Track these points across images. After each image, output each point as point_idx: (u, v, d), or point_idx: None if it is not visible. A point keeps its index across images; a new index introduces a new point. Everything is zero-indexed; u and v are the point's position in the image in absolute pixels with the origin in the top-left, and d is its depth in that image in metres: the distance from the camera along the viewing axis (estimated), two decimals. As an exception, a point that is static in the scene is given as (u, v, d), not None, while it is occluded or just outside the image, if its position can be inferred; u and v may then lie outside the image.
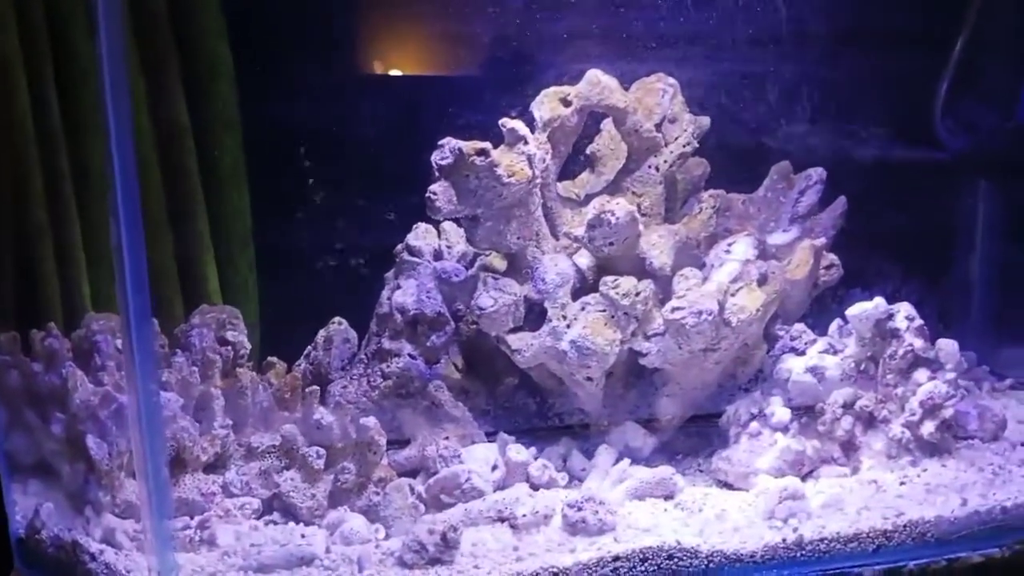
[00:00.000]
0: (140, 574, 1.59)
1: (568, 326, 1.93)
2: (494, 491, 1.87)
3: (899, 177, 2.49)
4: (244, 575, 1.62)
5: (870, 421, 1.99)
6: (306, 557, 1.64)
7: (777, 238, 2.13)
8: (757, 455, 1.95)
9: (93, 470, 1.72)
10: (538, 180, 1.98)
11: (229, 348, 1.98)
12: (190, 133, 2.20)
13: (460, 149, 1.87)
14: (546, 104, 2.02)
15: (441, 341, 2.05)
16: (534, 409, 2.10)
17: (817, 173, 2.16)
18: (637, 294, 1.93)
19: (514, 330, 1.98)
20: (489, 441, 2.00)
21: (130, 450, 1.70)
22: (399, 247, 2.13)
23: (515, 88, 2.13)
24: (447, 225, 2.15)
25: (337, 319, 2.13)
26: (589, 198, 2.06)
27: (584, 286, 2.00)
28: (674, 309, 1.90)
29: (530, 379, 2.07)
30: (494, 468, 1.92)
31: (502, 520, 1.78)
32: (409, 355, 2.03)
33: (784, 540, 1.74)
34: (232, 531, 1.74)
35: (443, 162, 1.88)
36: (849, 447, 1.99)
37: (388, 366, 2.03)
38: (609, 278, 1.94)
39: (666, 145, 2.08)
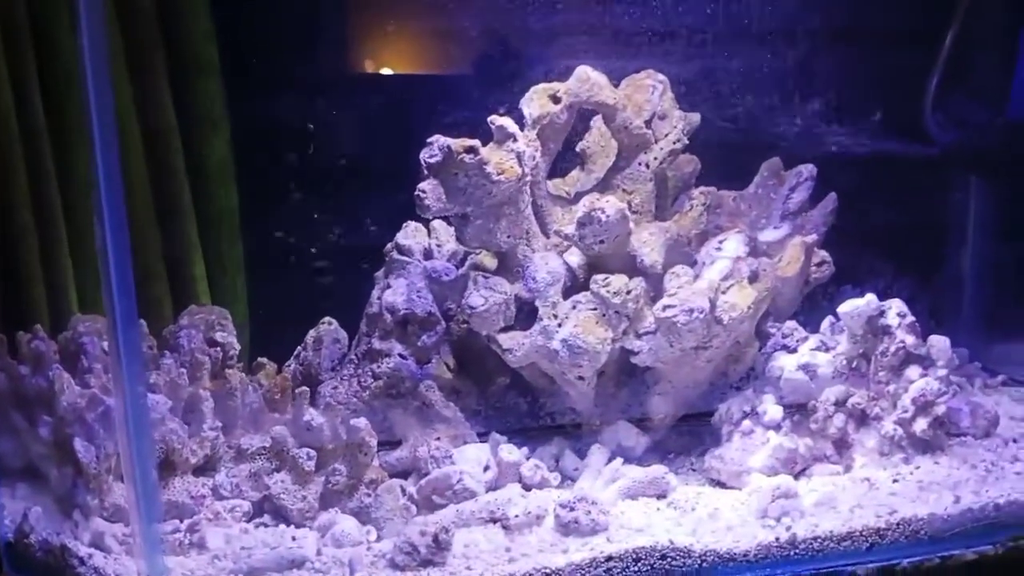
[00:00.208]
0: (129, 578, 1.59)
1: (559, 325, 1.93)
2: (486, 492, 1.86)
3: (889, 173, 2.49)
4: (234, 578, 1.61)
5: (862, 418, 1.98)
6: (297, 560, 1.63)
7: (768, 235, 2.12)
8: (750, 453, 1.95)
9: (81, 473, 1.70)
10: (528, 178, 1.96)
11: (218, 349, 1.97)
12: (177, 132, 2.18)
13: (449, 147, 1.86)
14: (535, 101, 2.01)
15: (432, 341, 2.03)
16: (526, 409, 2.09)
17: (808, 170, 2.16)
18: (628, 292, 1.92)
19: (505, 329, 1.97)
20: (481, 441, 1.99)
21: (118, 453, 1.68)
22: (389, 246, 2.12)
23: (504, 85, 2.12)
24: (437, 224, 2.14)
25: (327, 319, 2.11)
26: (580, 196, 2.05)
27: (575, 284, 1.99)
28: (665, 307, 1.89)
29: (522, 378, 2.06)
30: (486, 469, 1.91)
31: (494, 521, 1.77)
32: (400, 355, 2.02)
33: (777, 539, 1.73)
34: (222, 534, 1.72)
35: (432, 160, 1.87)
36: (842, 445, 1.98)
37: (378, 366, 2.01)
38: (600, 276, 1.93)
39: (656, 142, 2.07)
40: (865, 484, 1.88)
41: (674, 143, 2.07)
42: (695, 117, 2.12)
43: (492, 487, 1.88)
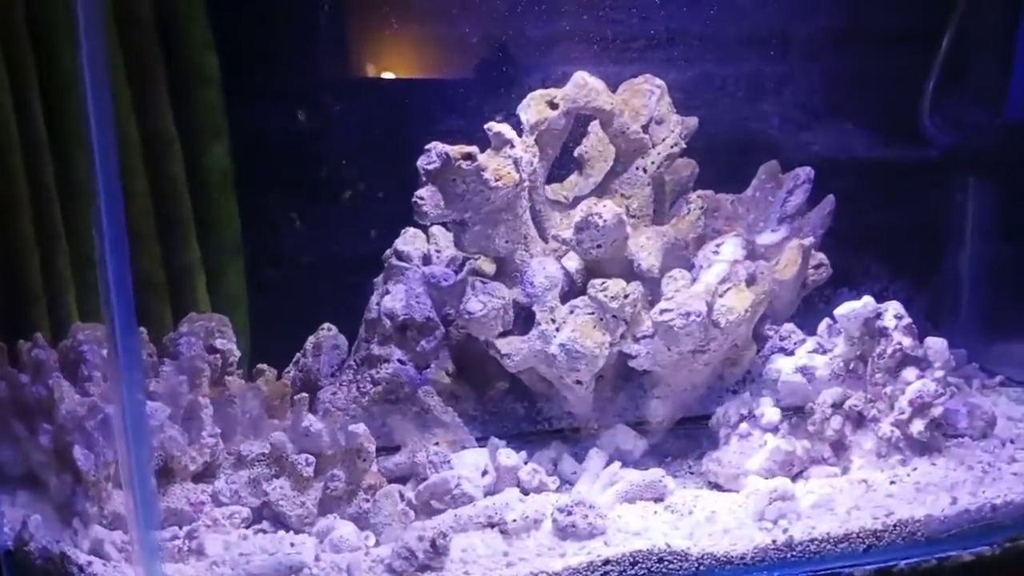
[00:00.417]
0: (128, 585, 1.60)
1: (557, 329, 1.93)
2: (484, 496, 1.86)
3: (887, 175, 2.49)
4: (233, 584, 1.62)
5: (860, 420, 1.99)
6: (295, 566, 1.64)
7: (766, 238, 2.13)
8: (747, 456, 1.95)
9: (80, 481, 1.71)
10: (525, 183, 1.97)
11: (218, 356, 1.98)
12: (177, 142, 2.20)
13: (447, 153, 1.87)
14: (533, 107, 2.02)
15: (431, 346, 2.04)
16: (524, 413, 2.10)
17: (805, 172, 2.16)
18: (625, 296, 1.93)
19: (503, 334, 1.97)
20: (480, 446, 1.99)
21: (117, 461, 1.69)
22: (388, 252, 2.12)
23: (502, 91, 2.13)
24: (436, 229, 2.14)
25: (326, 325, 2.12)
26: (577, 200, 2.06)
27: (573, 289, 2.00)
28: (662, 311, 1.90)
29: (520, 383, 2.07)
30: (484, 473, 1.91)
31: (492, 525, 1.77)
32: (399, 361, 2.03)
33: (774, 541, 1.73)
34: (221, 540, 1.73)
35: (430, 166, 1.88)
36: (839, 447, 1.98)
37: (377, 372, 2.02)
38: (597, 281, 1.94)
39: (653, 146, 2.08)
40: (862, 486, 1.88)
41: (671, 147, 2.08)
42: (692, 121, 2.12)
43: (490, 492, 1.88)
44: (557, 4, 2.24)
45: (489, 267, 2.05)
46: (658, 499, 1.87)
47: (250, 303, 2.31)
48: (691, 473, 2.03)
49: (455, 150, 1.87)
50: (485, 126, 1.93)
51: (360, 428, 1.83)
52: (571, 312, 1.94)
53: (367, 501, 1.82)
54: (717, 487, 1.96)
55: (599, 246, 1.95)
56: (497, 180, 1.90)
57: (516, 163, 1.92)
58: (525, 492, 1.90)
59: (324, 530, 1.77)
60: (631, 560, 1.67)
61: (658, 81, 2.09)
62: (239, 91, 2.23)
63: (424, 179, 1.89)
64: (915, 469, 1.93)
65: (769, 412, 1.98)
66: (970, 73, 2.47)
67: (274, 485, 1.82)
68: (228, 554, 1.69)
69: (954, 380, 2.24)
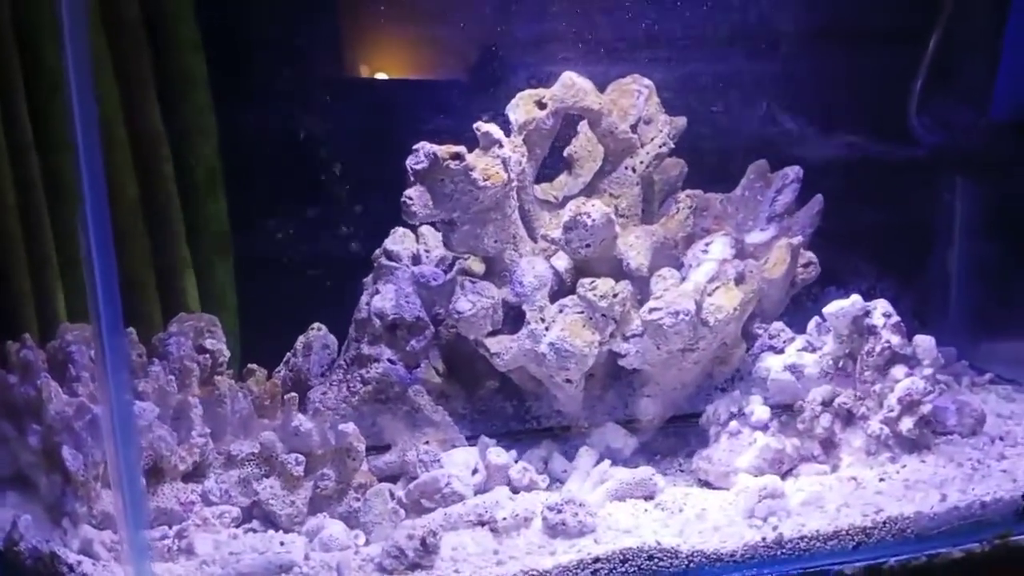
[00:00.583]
0: (117, 584, 1.59)
1: (546, 328, 1.93)
2: (474, 495, 1.86)
3: (875, 174, 2.50)
4: (222, 584, 1.62)
5: (849, 418, 1.99)
6: (285, 565, 1.64)
7: (755, 237, 2.13)
8: (737, 454, 1.95)
9: (70, 481, 1.71)
10: (514, 183, 1.97)
11: (207, 356, 1.98)
12: (166, 141, 2.20)
13: (435, 153, 1.87)
14: (521, 107, 2.02)
15: (420, 346, 2.05)
16: (514, 412, 2.10)
17: (794, 171, 2.17)
18: (615, 295, 1.93)
19: (493, 333, 1.98)
20: (470, 445, 2.00)
21: (106, 460, 1.69)
22: (377, 252, 2.13)
23: (490, 91, 2.14)
24: (425, 229, 2.15)
25: (316, 325, 2.12)
26: (567, 200, 2.06)
27: (562, 288, 2.00)
28: (651, 310, 1.90)
29: (511, 382, 2.07)
30: (474, 472, 1.92)
31: (482, 524, 1.77)
32: (388, 360, 2.03)
33: (764, 539, 1.74)
34: (211, 540, 1.73)
35: (418, 166, 1.88)
36: (828, 444, 1.99)
37: (367, 371, 2.03)
38: (586, 280, 1.94)
39: (642, 146, 2.08)
40: (852, 483, 1.88)
41: (660, 147, 2.09)
42: (681, 121, 2.13)
43: (480, 490, 1.89)
44: (545, 4, 2.24)
45: (478, 267, 2.06)
46: (648, 497, 1.88)
47: (239, 303, 2.31)
48: (681, 471, 2.03)
49: (443, 150, 1.87)
50: (473, 126, 1.93)
51: (350, 427, 1.83)
52: (560, 311, 1.94)
53: (357, 500, 1.82)
54: (707, 485, 1.96)
55: (588, 245, 1.95)
56: (485, 180, 1.90)
57: (504, 163, 1.93)
58: (515, 491, 1.90)
59: (314, 529, 1.77)
60: (621, 558, 1.67)
61: (646, 81, 2.10)
62: (227, 91, 2.23)
63: (412, 179, 1.90)
64: (904, 466, 1.93)
65: (759, 410, 1.98)
66: (957, 73, 2.48)
67: (264, 484, 1.82)
68: (218, 553, 1.68)
69: (943, 378, 2.25)
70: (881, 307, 1.99)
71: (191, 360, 1.93)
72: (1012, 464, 1.96)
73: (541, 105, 2.02)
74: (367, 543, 1.76)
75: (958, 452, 1.99)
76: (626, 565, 1.67)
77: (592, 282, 1.94)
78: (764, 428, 1.97)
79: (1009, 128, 2.47)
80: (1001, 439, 2.08)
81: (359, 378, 2.02)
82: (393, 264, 2.09)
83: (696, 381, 2.05)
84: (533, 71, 2.15)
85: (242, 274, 2.31)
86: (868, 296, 2.01)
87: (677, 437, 2.09)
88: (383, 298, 2.04)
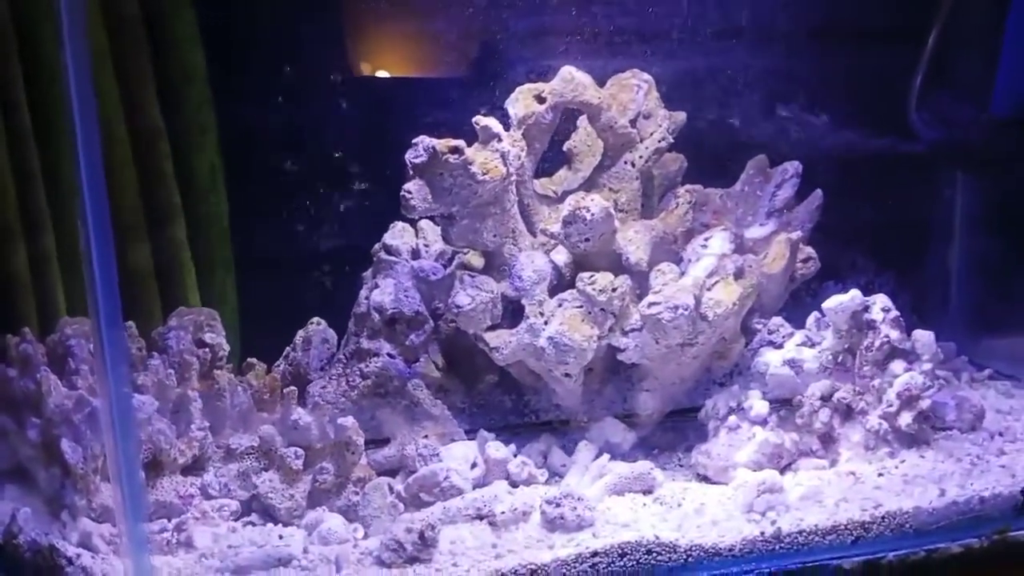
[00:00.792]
0: (116, 577, 1.60)
1: (545, 323, 1.94)
2: (473, 489, 1.86)
3: (875, 170, 2.50)
4: (221, 576, 1.62)
5: (848, 413, 1.99)
6: (284, 558, 1.64)
7: (754, 232, 2.13)
8: (736, 448, 1.95)
9: (69, 474, 1.72)
10: (513, 177, 1.98)
11: (207, 350, 1.98)
12: (166, 137, 2.20)
13: (434, 147, 1.87)
14: (520, 101, 2.03)
15: (420, 340, 2.05)
16: (513, 406, 2.10)
17: (793, 167, 2.17)
18: (614, 290, 1.93)
19: (492, 328, 1.98)
20: (469, 439, 2.00)
21: (105, 454, 1.69)
22: (376, 246, 2.13)
23: (489, 86, 2.14)
24: (424, 223, 2.15)
25: (316, 319, 2.13)
26: (566, 195, 2.06)
27: (561, 283, 2.00)
28: (650, 304, 1.91)
29: (510, 376, 2.07)
30: (473, 466, 1.92)
31: (481, 518, 1.78)
32: (388, 354, 2.03)
33: (763, 533, 1.74)
34: (210, 533, 1.73)
35: (417, 160, 1.88)
36: (827, 439, 1.99)
37: (367, 366, 2.03)
38: (585, 274, 1.94)
39: (641, 141, 2.08)
40: (850, 478, 1.89)
41: (659, 142, 2.09)
42: (680, 116, 2.13)
43: (479, 484, 1.89)
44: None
45: (478, 261, 2.06)
46: (647, 491, 1.88)
47: (239, 297, 2.31)
48: (680, 466, 2.03)
49: (442, 144, 1.88)
50: (472, 120, 1.93)
51: (348, 421, 1.83)
52: (559, 305, 1.95)
53: (356, 494, 1.82)
54: (706, 479, 1.96)
55: (587, 240, 1.95)
56: (484, 174, 1.90)
57: (503, 157, 1.93)
58: (514, 485, 1.91)
59: (313, 522, 1.77)
60: (619, 552, 1.67)
61: (645, 76, 2.10)
62: (227, 87, 2.23)
63: (411, 173, 1.90)
64: (903, 461, 1.93)
65: (757, 405, 1.98)
66: (957, 69, 2.47)
67: (263, 478, 1.82)
68: (217, 546, 1.69)
69: (943, 373, 2.25)
70: (880, 302, 1.99)
71: (191, 354, 1.94)
72: (1011, 459, 1.96)
73: (540, 99, 2.03)
74: (366, 536, 1.76)
75: (957, 447, 2.00)
76: (624, 559, 1.67)
77: (591, 276, 1.94)
78: (763, 423, 1.97)
79: (1009, 124, 2.46)
80: (1000, 435, 2.08)
81: (358, 372, 2.02)
82: (392, 258, 2.09)
83: (695, 376, 2.05)
84: (532, 65, 2.15)
85: (242, 268, 2.31)
86: (867, 291, 2.01)
87: (676, 432, 2.09)
88: (382, 292, 2.04)
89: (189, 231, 2.25)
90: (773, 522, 1.76)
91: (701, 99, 2.33)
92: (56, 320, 1.94)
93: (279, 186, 2.30)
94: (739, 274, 1.99)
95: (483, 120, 1.93)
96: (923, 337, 1.99)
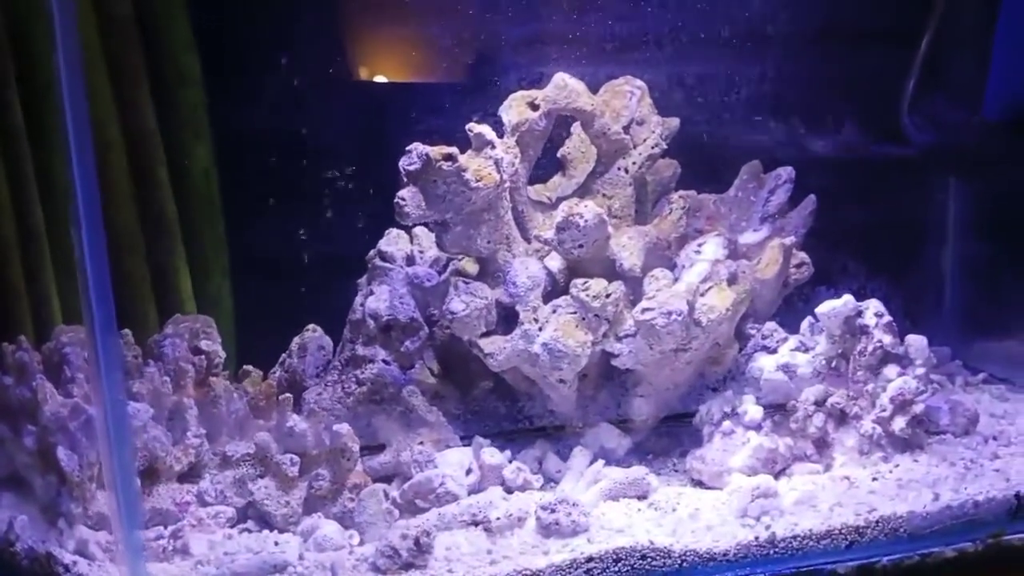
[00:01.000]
0: (112, 584, 1.60)
1: (540, 329, 1.94)
2: (468, 495, 1.87)
3: (867, 174, 2.50)
4: (217, 583, 1.62)
5: (842, 418, 2.00)
6: (279, 565, 1.65)
7: (748, 237, 2.14)
8: (730, 454, 1.96)
9: (65, 482, 1.72)
10: (507, 184, 1.98)
11: (203, 357, 1.98)
12: (160, 141, 2.20)
13: (427, 154, 1.88)
14: (514, 108, 2.03)
15: (415, 346, 2.05)
16: (509, 412, 2.10)
17: (786, 172, 2.17)
18: (607, 296, 1.94)
19: (486, 334, 1.98)
20: (464, 445, 2.00)
21: (100, 461, 1.70)
22: (371, 253, 2.13)
23: (483, 93, 2.14)
24: (419, 230, 2.15)
25: (311, 326, 2.13)
26: (560, 201, 2.06)
27: (555, 289, 2.01)
28: (644, 310, 1.91)
29: (505, 382, 2.08)
30: (468, 472, 1.92)
31: (476, 524, 1.78)
32: (383, 361, 2.04)
33: (757, 538, 1.74)
34: (206, 540, 1.74)
35: (411, 167, 1.89)
36: (822, 444, 1.99)
37: (362, 372, 2.03)
38: (579, 280, 1.95)
39: (635, 147, 2.09)
40: (845, 483, 1.89)
41: (652, 148, 2.10)
42: (674, 122, 2.14)
43: (475, 490, 1.90)
44: (538, 6, 2.25)
45: (472, 267, 2.07)
46: (642, 497, 1.88)
47: (235, 304, 2.32)
48: (675, 471, 2.03)
49: (436, 151, 1.88)
50: (467, 127, 1.94)
51: (344, 428, 1.84)
52: (554, 311, 1.95)
53: (352, 500, 1.82)
54: (700, 484, 1.96)
55: (581, 246, 1.96)
56: (478, 181, 1.91)
57: (497, 164, 1.93)
58: (509, 491, 1.91)
59: (308, 529, 1.78)
60: (614, 557, 1.68)
61: (639, 82, 2.11)
62: (222, 91, 2.23)
63: (405, 180, 1.90)
64: (897, 466, 1.94)
65: (752, 410, 1.99)
66: (948, 72, 2.48)
67: (259, 485, 1.82)
68: (213, 553, 1.69)
69: (937, 377, 2.26)
70: (873, 307, 2.00)
71: (186, 361, 1.94)
72: (1005, 463, 1.96)
73: (534, 106, 2.03)
74: (361, 543, 1.77)
75: (951, 451, 2.00)
76: (619, 564, 1.68)
77: (585, 282, 1.94)
78: (757, 428, 1.98)
79: (1001, 127, 2.47)
80: (994, 438, 2.08)
81: (354, 379, 2.03)
82: (387, 265, 2.10)
83: (689, 381, 2.05)
84: (525, 72, 2.16)
85: (238, 275, 2.31)
86: (861, 296, 2.02)
87: (670, 437, 2.10)
88: (377, 299, 2.05)
89: (184, 236, 2.25)
90: (768, 527, 1.76)
91: (694, 105, 2.33)
92: (52, 328, 1.94)
93: (274, 191, 2.30)
94: (733, 279, 2.00)
95: (476, 127, 1.94)
96: (916, 342, 2.00)
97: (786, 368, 2.02)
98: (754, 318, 2.10)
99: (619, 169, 2.09)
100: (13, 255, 2.05)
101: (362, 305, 2.06)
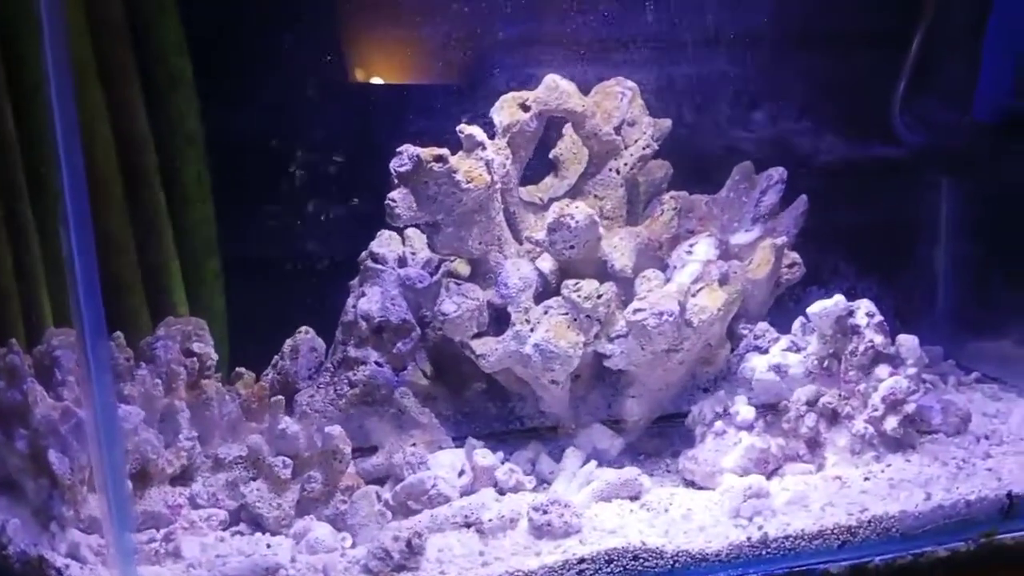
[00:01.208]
0: (103, 587, 1.60)
1: (531, 330, 1.94)
2: (461, 496, 1.87)
3: (859, 174, 2.51)
4: (208, 586, 1.62)
5: (834, 418, 2.00)
6: (271, 567, 1.64)
7: (740, 238, 2.14)
8: (723, 454, 1.96)
9: (57, 485, 1.72)
10: (498, 185, 1.98)
11: (195, 360, 1.98)
12: (152, 145, 2.20)
13: (418, 156, 1.88)
14: (505, 109, 2.03)
15: (407, 348, 2.05)
16: (502, 413, 2.10)
17: (778, 173, 2.18)
18: (599, 296, 1.94)
19: (478, 335, 1.98)
20: (457, 447, 2.00)
21: (92, 464, 1.70)
22: (363, 255, 2.13)
23: (475, 94, 2.14)
24: (411, 232, 2.15)
25: (304, 328, 2.13)
26: (552, 202, 2.06)
27: (547, 290, 2.01)
28: (636, 311, 1.91)
29: (497, 384, 2.07)
30: (461, 473, 1.92)
31: (468, 525, 1.78)
32: (375, 363, 2.03)
33: (749, 538, 1.74)
34: (198, 543, 1.73)
35: (402, 169, 1.89)
36: (814, 444, 1.99)
37: (354, 374, 2.03)
38: (571, 281, 1.95)
39: (626, 148, 2.09)
40: (837, 482, 1.89)
41: (643, 149, 2.10)
42: (665, 123, 2.14)
43: (467, 492, 1.89)
44: (529, 7, 2.25)
45: (464, 269, 2.07)
46: (634, 497, 1.88)
47: (227, 306, 2.32)
48: (667, 471, 2.03)
49: (426, 152, 1.88)
50: (457, 128, 1.94)
51: (336, 430, 1.83)
52: (545, 313, 1.95)
53: (344, 502, 1.82)
54: (693, 485, 1.96)
55: (572, 247, 1.96)
56: (469, 182, 1.91)
57: (488, 165, 1.93)
58: (502, 492, 1.91)
59: (301, 531, 1.78)
60: (606, 558, 1.68)
61: (630, 83, 2.11)
62: (214, 93, 2.23)
63: (396, 181, 1.90)
64: (889, 465, 1.94)
65: (744, 410, 1.99)
66: (939, 74, 2.49)
67: (251, 487, 1.82)
68: (205, 556, 1.69)
69: (929, 377, 2.27)
70: (864, 307, 2.00)
71: (178, 364, 1.94)
72: (997, 463, 1.96)
73: (525, 108, 2.03)
74: (354, 545, 1.76)
75: (943, 451, 2.01)
76: (611, 565, 1.68)
77: (576, 283, 1.94)
78: (749, 428, 1.98)
79: (990, 128, 2.48)
80: (986, 438, 2.09)
81: (346, 381, 2.03)
82: (379, 267, 2.09)
83: (681, 382, 2.05)
84: (515, 74, 2.16)
85: (230, 277, 2.31)
86: (852, 296, 2.02)
87: (663, 437, 2.10)
88: (369, 301, 2.05)
89: (176, 239, 2.25)
90: (760, 527, 1.76)
91: (685, 106, 2.33)
92: (42, 327, 1.94)
93: (266, 193, 2.30)
94: (724, 280, 2.00)
95: (467, 128, 1.94)
96: (907, 342, 2.00)
97: (778, 368, 2.02)
98: (746, 318, 2.10)
99: (610, 170, 2.09)
100: (4, 258, 2.04)
101: (354, 307, 2.06)
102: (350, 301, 2.09)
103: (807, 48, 2.40)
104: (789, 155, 2.31)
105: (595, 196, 2.10)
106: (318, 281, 2.30)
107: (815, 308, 2.01)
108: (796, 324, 2.08)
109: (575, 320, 1.94)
